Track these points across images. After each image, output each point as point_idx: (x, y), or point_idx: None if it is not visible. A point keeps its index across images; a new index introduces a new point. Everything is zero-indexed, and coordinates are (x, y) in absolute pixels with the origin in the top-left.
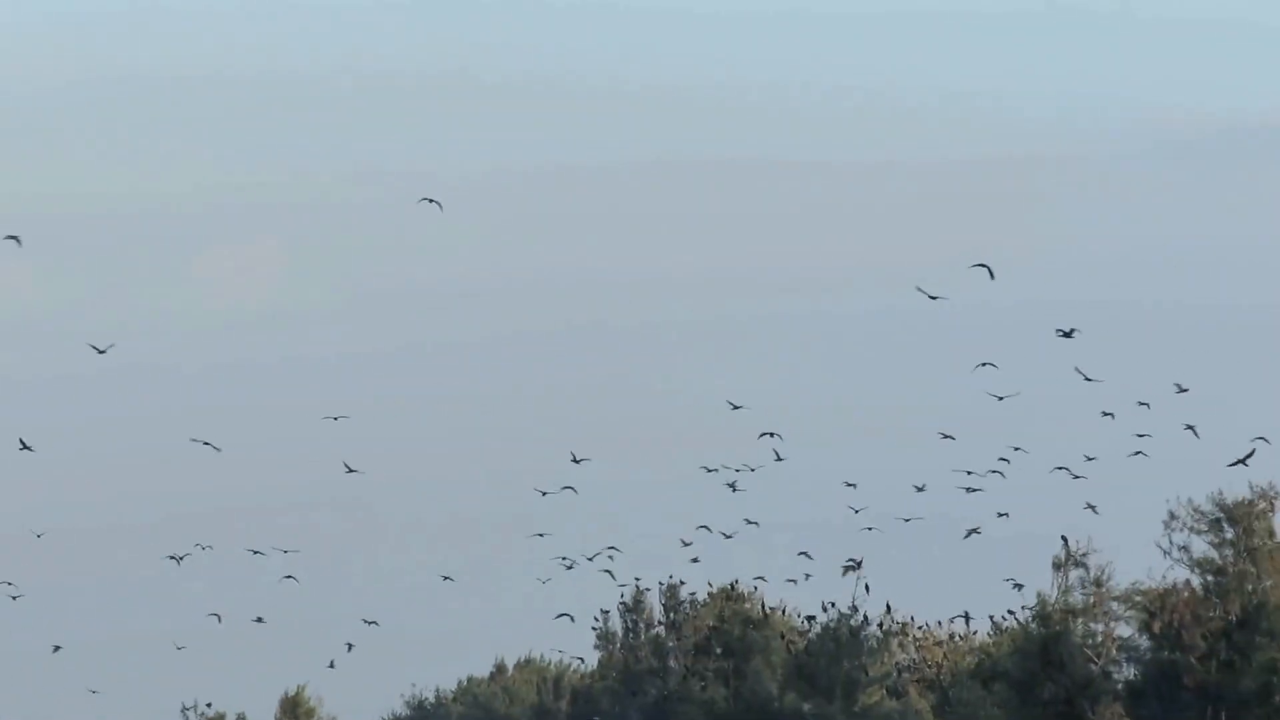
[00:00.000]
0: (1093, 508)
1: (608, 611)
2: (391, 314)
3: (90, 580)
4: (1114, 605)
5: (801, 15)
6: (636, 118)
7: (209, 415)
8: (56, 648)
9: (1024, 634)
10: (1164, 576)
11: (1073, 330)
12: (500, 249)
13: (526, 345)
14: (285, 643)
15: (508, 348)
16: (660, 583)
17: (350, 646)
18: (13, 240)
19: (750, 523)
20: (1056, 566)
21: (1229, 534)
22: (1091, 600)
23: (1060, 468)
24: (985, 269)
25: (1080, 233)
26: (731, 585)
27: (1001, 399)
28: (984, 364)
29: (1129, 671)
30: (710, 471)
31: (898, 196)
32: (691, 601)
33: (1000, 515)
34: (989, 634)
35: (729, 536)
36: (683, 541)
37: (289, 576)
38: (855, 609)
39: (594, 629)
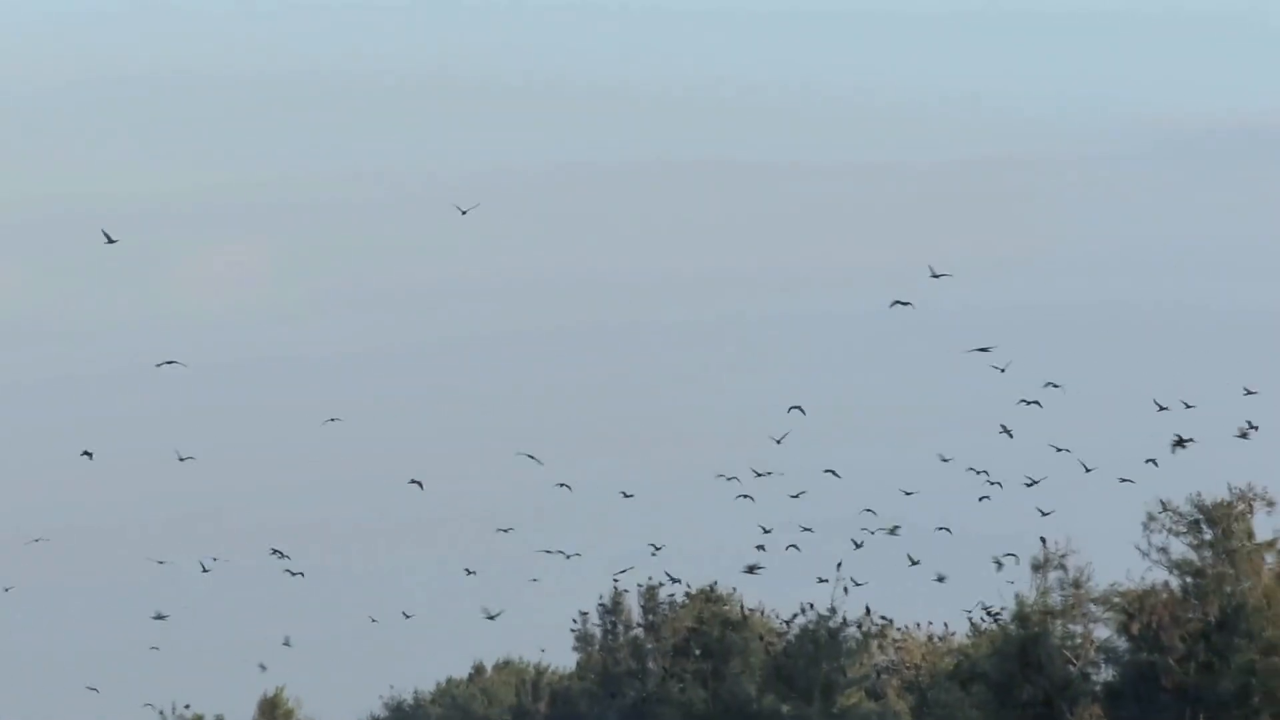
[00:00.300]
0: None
1: (586, 613)
2: (390, 313)
3: (76, 580)
4: (1092, 607)
5: (801, 16)
6: (637, 118)
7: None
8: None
9: (1003, 635)
10: (1143, 578)
11: (989, 348)
12: (500, 249)
13: (527, 345)
14: (267, 642)
15: (508, 347)
16: (638, 584)
17: (287, 641)
18: (106, 237)
19: (806, 529)
20: (1036, 568)
21: (1208, 536)
22: (1070, 602)
23: (1030, 483)
24: (931, 271)
25: (1080, 233)
26: (710, 587)
27: (1003, 369)
28: (981, 349)
29: (1107, 673)
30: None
31: (898, 197)
32: (670, 603)
33: (939, 529)
34: (967, 635)
35: (794, 547)
36: (750, 568)
37: (298, 573)
38: (834, 611)
39: (573, 631)
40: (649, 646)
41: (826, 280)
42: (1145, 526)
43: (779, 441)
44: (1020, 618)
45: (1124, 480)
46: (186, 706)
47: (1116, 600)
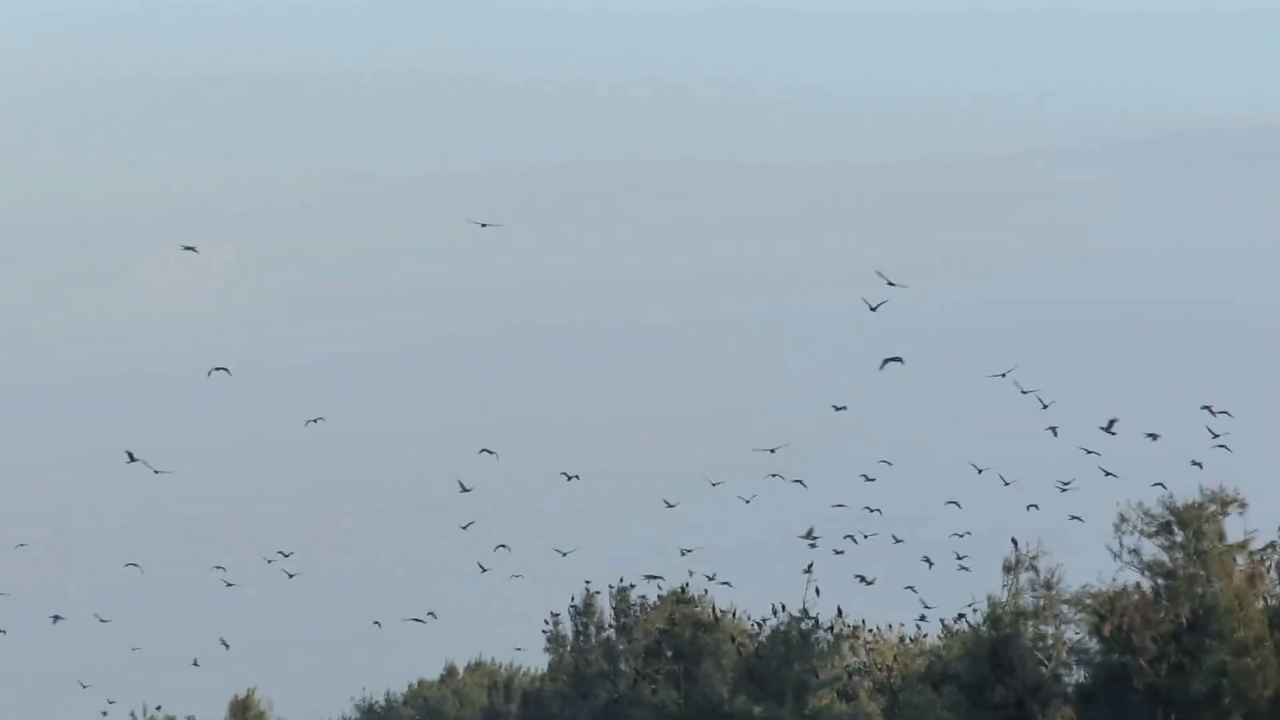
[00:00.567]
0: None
1: (558, 614)
2: (391, 312)
3: (49, 584)
4: (1064, 608)
5: (802, 15)
6: (637, 118)
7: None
8: None
9: (974, 637)
10: (1114, 579)
11: (896, 358)
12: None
13: (526, 344)
14: (238, 646)
15: (507, 346)
16: (610, 585)
17: (225, 645)
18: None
19: (848, 538)
20: (1007, 569)
21: (1179, 537)
22: (1042, 603)
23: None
24: (882, 277)
25: (1080, 233)
26: (682, 588)
27: (1004, 374)
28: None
29: (1079, 674)
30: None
31: (897, 196)
32: (642, 604)
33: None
34: (939, 637)
35: (840, 553)
36: (808, 571)
37: (291, 574)
38: (806, 612)
39: (544, 632)
40: (621, 648)
41: (825, 281)
42: (1116, 528)
43: (773, 451)
44: (992, 619)
45: (1089, 451)
46: (158, 708)
47: (1088, 601)
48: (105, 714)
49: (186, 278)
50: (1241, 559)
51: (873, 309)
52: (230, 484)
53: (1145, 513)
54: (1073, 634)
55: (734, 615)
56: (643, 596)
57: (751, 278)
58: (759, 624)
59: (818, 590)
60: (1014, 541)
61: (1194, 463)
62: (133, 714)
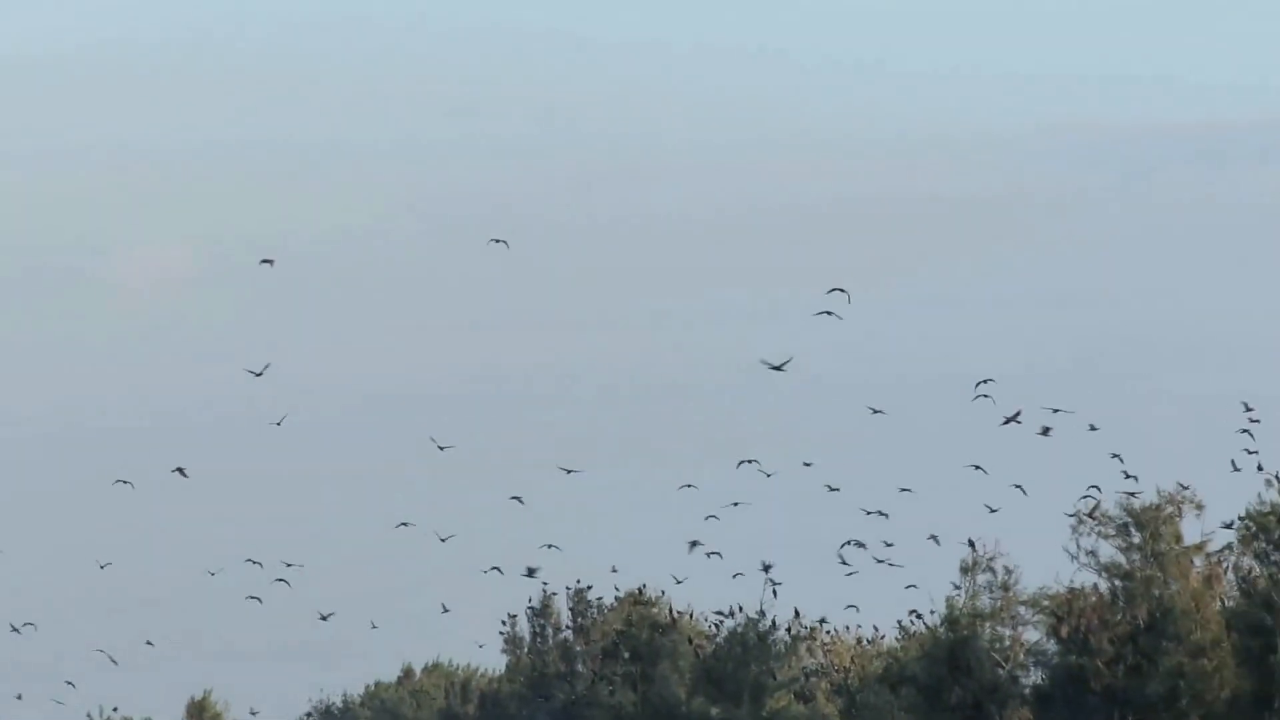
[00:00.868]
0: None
1: (515, 615)
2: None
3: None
4: (1021, 609)
5: (798, 13)
6: (637, 119)
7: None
8: None
9: (931, 638)
10: (1071, 581)
11: (782, 366)
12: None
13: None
14: (192, 646)
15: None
16: (567, 587)
17: (112, 659)
18: (266, 263)
19: (888, 544)
20: (964, 570)
21: (1136, 538)
22: (999, 604)
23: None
24: (841, 292)
25: (1079, 233)
26: (639, 589)
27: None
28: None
29: (1036, 676)
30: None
31: (895, 197)
32: (599, 606)
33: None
34: (897, 638)
35: (881, 562)
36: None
37: (281, 580)
38: (763, 613)
39: (501, 633)
40: (578, 649)
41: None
42: (1074, 529)
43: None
44: (949, 621)
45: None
46: (115, 709)
47: (1045, 603)
48: (21, 696)
49: None
50: (1198, 561)
51: (775, 368)
52: (203, 485)
53: (1102, 514)
54: (1030, 635)
55: (691, 616)
56: (599, 598)
57: (749, 278)
58: (716, 625)
59: (775, 591)
60: (971, 543)
61: (1114, 455)
62: (89, 715)
